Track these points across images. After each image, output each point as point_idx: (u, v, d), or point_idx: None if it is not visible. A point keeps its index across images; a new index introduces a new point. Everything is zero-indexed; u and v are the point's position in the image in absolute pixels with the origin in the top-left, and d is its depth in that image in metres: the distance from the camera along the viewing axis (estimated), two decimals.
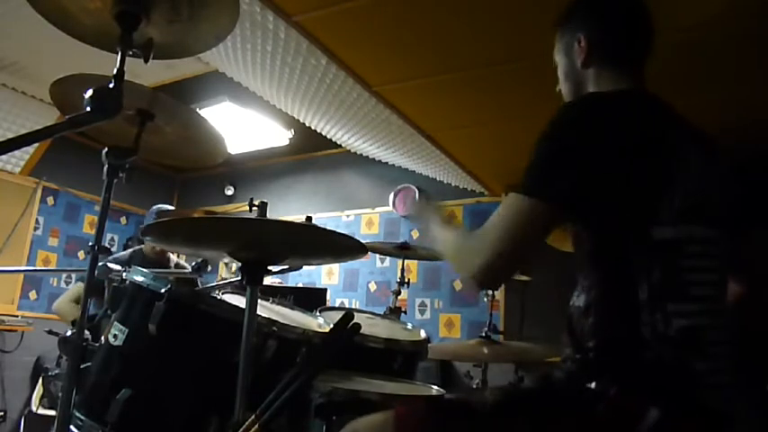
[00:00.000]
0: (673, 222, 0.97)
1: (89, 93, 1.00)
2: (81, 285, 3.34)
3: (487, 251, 0.99)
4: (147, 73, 3.07)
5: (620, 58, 1.17)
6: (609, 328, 0.99)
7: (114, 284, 1.60)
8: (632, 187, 0.97)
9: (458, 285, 4.10)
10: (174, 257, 3.34)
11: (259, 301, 1.31)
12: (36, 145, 4.17)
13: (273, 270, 1.36)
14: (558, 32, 1.26)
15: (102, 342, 1.46)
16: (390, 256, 3.45)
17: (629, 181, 0.97)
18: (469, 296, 4.03)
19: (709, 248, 1.00)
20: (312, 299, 3.01)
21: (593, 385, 0.95)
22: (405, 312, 2.99)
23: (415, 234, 4.38)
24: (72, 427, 1.33)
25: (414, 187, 4.41)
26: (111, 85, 1.05)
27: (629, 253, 0.98)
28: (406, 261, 3.12)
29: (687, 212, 0.98)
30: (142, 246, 3.29)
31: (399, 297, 3.03)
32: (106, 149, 1.43)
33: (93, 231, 1.42)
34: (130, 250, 3.32)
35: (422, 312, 4.17)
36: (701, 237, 0.99)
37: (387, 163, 3.93)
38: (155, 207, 3.27)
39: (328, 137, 3.51)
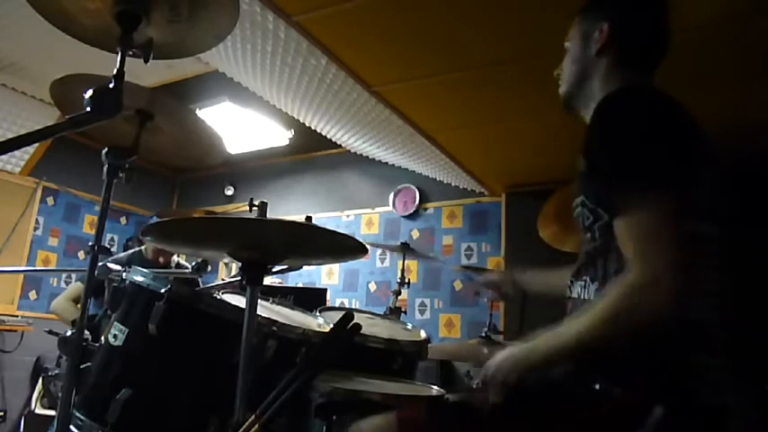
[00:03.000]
0: (700, 218, 0.98)
1: (89, 93, 1.00)
2: (79, 285, 3.33)
3: (656, 271, 0.86)
4: (147, 73, 3.07)
5: (638, 55, 1.17)
6: None
7: (114, 284, 1.60)
8: (678, 181, 0.96)
9: (458, 285, 4.10)
10: (174, 257, 3.33)
11: (259, 301, 1.31)
12: (36, 145, 4.17)
13: (273, 270, 1.36)
14: (579, 17, 1.25)
15: (102, 342, 1.46)
16: (391, 250, 3.45)
17: (676, 174, 0.96)
18: (469, 296, 4.03)
19: (717, 246, 1.01)
20: (312, 299, 3.01)
21: (596, 386, 0.95)
22: (405, 312, 3.00)
23: (415, 234, 4.39)
24: (72, 427, 1.33)
25: (414, 187, 4.41)
26: (110, 85, 1.05)
27: None
28: (406, 261, 3.12)
29: (709, 210, 1.00)
30: (141, 247, 3.28)
31: (399, 297, 3.04)
32: (106, 149, 1.43)
33: (93, 231, 1.42)
34: (129, 251, 3.32)
35: (422, 312, 4.17)
36: (713, 234, 1.00)
37: (387, 163, 3.93)
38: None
39: (328, 137, 3.50)
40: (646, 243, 0.89)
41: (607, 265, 1.01)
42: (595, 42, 1.18)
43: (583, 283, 1.05)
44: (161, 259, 3.16)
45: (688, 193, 0.95)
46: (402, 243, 3.04)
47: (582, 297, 1.04)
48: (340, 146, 3.69)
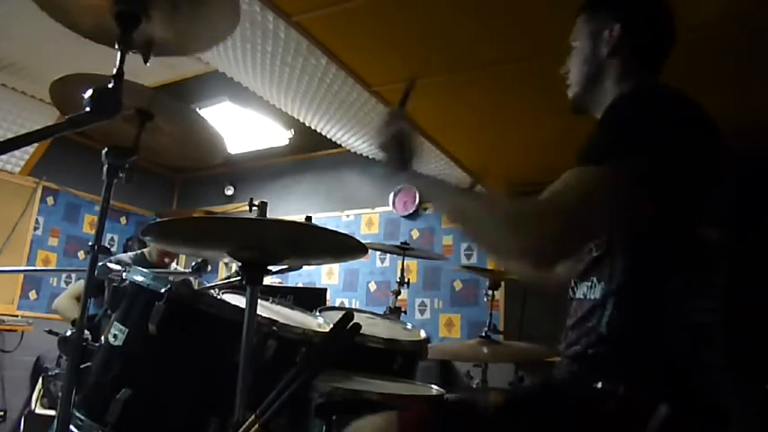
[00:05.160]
0: (713, 222, 0.99)
1: (89, 93, 1.00)
2: (82, 283, 3.33)
3: (563, 217, 0.90)
4: (148, 73, 3.07)
5: (649, 55, 1.16)
6: (629, 320, 0.98)
7: (114, 284, 1.60)
8: (689, 182, 0.97)
9: (458, 285, 4.10)
10: (173, 264, 3.33)
11: (259, 301, 1.31)
12: (36, 145, 4.18)
13: (273, 270, 1.36)
14: (585, 15, 1.22)
15: (102, 342, 1.46)
16: (391, 253, 3.45)
17: (688, 176, 0.96)
18: (470, 295, 4.03)
19: (718, 249, 1.01)
20: (312, 299, 3.00)
21: (599, 385, 0.95)
22: (405, 312, 2.99)
23: (415, 234, 4.38)
24: (72, 427, 1.33)
25: (414, 187, 4.41)
26: (110, 85, 1.05)
27: (670, 246, 0.98)
28: (406, 261, 3.12)
29: (723, 213, 1.00)
30: (145, 249, 3.28)
31: (399, 297, 3.03)
32: (106, 149, 1.43)
33: (93, 231, 1.42)
34: (132, 253, 3.31)
35: (422, 312, 4.17)
36: (722, 237, 1.00)
37: None
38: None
39: (328, 137, 3.50)
40: (571, 188, 0.92)
41: (614, 264, 1.01)
42: (606, 42, 1.16)
43: (589, 283, 1.05)
44: (166, 259, 3.17)
45: (698, 196, 0.97)
46: (402, 243, 3.03)
47: (588, 297, 1.04)
48: (340, 146, 3.68)
